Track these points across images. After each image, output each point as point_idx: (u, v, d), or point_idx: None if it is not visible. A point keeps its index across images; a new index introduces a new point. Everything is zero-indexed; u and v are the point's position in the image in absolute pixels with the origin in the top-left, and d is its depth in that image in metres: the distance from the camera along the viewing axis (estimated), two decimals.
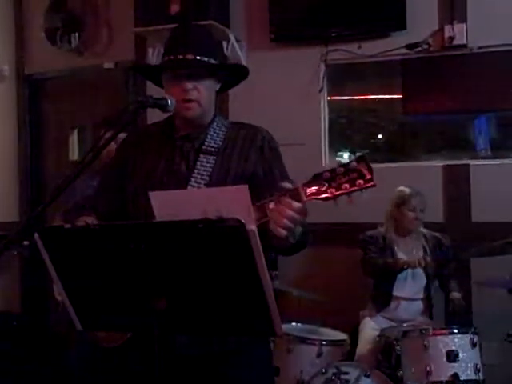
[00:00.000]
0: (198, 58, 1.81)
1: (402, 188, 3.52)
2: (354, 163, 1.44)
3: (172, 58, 1.83)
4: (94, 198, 2.03)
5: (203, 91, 1.83)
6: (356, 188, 1.44)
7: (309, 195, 1.49)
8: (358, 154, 1.49)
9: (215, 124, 1.92)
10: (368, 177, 1.44)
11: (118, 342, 1.76)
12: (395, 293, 3.42)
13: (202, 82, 1.82)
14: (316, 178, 1.48)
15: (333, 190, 1.46)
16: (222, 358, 1.77)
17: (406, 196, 3.48)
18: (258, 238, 1.29)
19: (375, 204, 3.49)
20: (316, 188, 1.48)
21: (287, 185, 1.54)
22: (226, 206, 1.42)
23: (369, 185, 1.44)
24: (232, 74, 1.97)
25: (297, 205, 1.50)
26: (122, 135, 3.06)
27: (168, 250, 1.36)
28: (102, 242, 1.41)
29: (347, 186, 1.45)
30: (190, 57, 1.81)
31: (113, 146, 3.09)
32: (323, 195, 1.47)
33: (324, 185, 1.47)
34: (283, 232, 1.54)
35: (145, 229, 1.39)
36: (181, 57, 1.81)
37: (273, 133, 1.97)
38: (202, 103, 1.84)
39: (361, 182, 1.44)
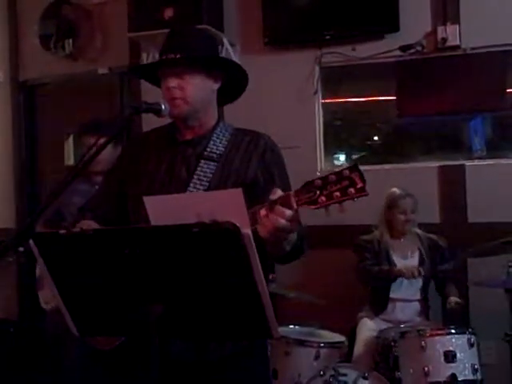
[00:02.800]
0: (178, 56, 1.82)
1: (392, 190, 3.53)
2: (347, 171, 1.41)
3: (158, 59, 1.88)
4: (96, 204, 2.04)
5: (188, 89, 1.84)
6: (347, 197, 1.41)
7: (300, 203, 1.47)
8: (350, 162, 1.46)
9: (219, 129, 1.93)
10: (360, 185, 1.40)
11: (114, 344, 1.76)
12: (392, 295, 3.43)
13: (186, 78, 1.83)
14: (307, 186, 1.46)
15: (323, 199, 1.43)
16: (220, 363, 1.77)
17: (395, 198, 3.49)
18: (252, 241, 1.29)
19: (372, 206, 3.50)
20: (307, 196, 1.45)
21: (278, 192, 1.52)
22: (221, 210, 1.42)
23: (360, 194, 1.41)
24: (230, 74, 1.95)
25: (288, 212, 1.48)
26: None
27: (163, 254, 1.36)
28: (97, 248, 1.41)
29: (338, 194, 1.41)
30: (170, 56, 1.83)
31: (109, 151, 3.10)
32: (314, 204, 1.44)
33: (315, 193, 1.43)
34: (273, 239, 1.53)
35: (139, 233, 1.39)
36: (164, 57, 1.85)
37: None
38: (189, 101, 1.84)
39: (352, 190, 1.40)
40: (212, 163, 1.85)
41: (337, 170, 1.44)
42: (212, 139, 1.90)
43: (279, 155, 1.93)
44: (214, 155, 1.87)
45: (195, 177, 1.84)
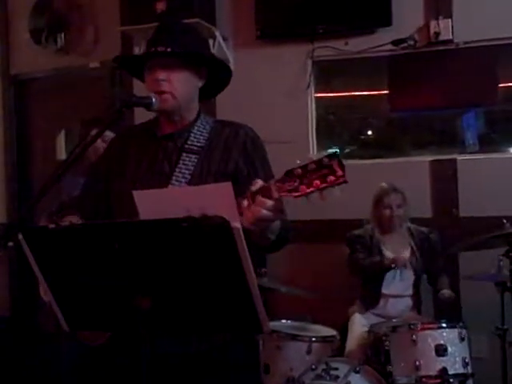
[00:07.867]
0: (169, 49, 1.82)
1: (381, 184, 3.52)
2: (326, 159, 1.41)
3: (146, 51, 1.87)
4: (80, 198, 2.03)
5: (176, 83, 1.83)
6: (327, 185, 1.40)
7: (280, 192, 1.47)
8: (330, 150, 1.45)
9: (199, 122, 1.93)
10: (339, 173, 1.40)
11: (102, 339, 1.76)
12: (384, 290, 3.44)
13: (174, 73, 1.83)
14: (288, 175, 1.46)
15: (304, 187, 1.42)
16: (207, 356, 1.77)
17: (381, 194, 3.48)
18: (242, 235, 1.29)
19: (364, 200, 3.51)
20: (288, 185, 1.45)
21: (259, 182, 1.52)
22: (210, 204, 1.42)
23: (340, 181, 1.40)
24: (216, 72, 1.95)
25: (269, 202, 1.48)
26: (108, 134, 3.07)
27: (152, 248, 1.35)
28: (86, 242, 1.40)
29: (318, 182, 1.41)
30: (160, 49, 1.83)
31: (99, 144, 3.10)
32: (295, 192, 1.44)
33: (296, 181, 1.43)
34: (256, 230, 1.53)
35: (129, 228, 1.39)
36: (153, 49, 1.84)
37: (260, 130, 1.97)
38: (176, 95, 1.84)
39: (332, 178, 1.40)
40: (193, 156, 1.86)
41: (316, 158, 1.43)
42: (193, 132, 1.90)
43: (260, 145, 1.93)
44: (195, 148, 1.87)
45: (177, 170, 1.84)
